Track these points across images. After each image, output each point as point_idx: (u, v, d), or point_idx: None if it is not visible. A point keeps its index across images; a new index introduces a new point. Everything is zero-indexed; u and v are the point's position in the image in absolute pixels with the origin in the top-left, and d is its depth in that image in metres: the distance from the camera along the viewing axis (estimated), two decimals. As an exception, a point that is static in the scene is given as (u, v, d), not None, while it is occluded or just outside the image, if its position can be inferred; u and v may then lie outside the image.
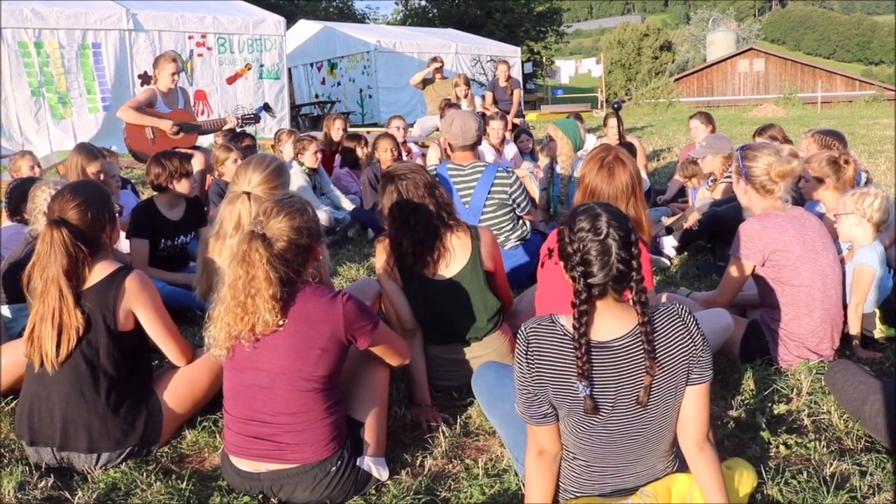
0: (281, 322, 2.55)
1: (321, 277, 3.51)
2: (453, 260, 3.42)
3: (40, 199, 3.91)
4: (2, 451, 3.08)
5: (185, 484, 2.77)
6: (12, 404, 3.38)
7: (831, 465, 2.73)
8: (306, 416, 2.58)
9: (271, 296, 2.50)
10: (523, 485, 2.54)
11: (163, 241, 4.88)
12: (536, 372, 2.18)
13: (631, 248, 2.14)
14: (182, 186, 4.85)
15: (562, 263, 2.23)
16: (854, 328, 3.77)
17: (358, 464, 2.68)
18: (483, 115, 8.80)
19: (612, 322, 2.19)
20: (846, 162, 4.37)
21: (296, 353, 2.57)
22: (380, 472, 2.74)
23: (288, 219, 2.59)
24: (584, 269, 2.12)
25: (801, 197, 4.72)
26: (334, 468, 2.60)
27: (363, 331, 2.70)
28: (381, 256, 3.51)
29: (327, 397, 2.63)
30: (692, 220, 5.79)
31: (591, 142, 8.76)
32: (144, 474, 2.84)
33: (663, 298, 3.75)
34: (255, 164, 3.48)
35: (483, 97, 12.11)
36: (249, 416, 2.61)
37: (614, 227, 2.13)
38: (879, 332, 3.87)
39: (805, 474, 2.65)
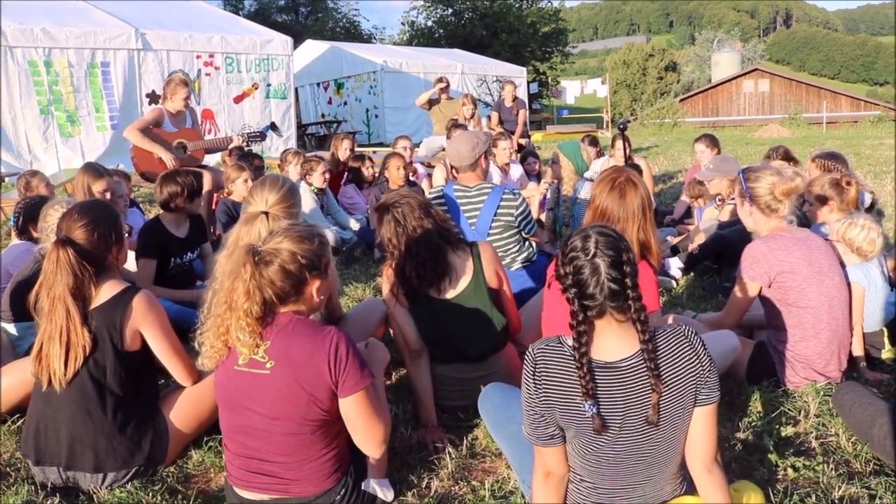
0: (269, 364, 2.47)
1: (332, 299, 3.51)
2: (457, 278, 3.43)
3: (53, 219, 3.91)
4: (7, 469, 3.08)
5: (190, 504, 2.77)
6: (18, 423, 3.39)
7: (840, 488, 2.71)
8: (306, 454, 2.52)
9: (245, 311, 2.44)
10: (530, 507, 2.53)
11: (172, 259, 4.90)
12: (544, 393, 2.18)
13: (622, 266, 2.15)
14: (195, 205, 4.90)
15: (560, 285, 2.25)
16: (857, 349, 3.77)
17: (363, 487, 2.67)
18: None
19: (617, 342, 2.20)
20: (848, 183, 4.39)
21: (285, 399, 2.46)
22: (385, 494, 2.72)
23: (290, 240, 2.52)
24: (577, 289, 2.16)
25: (807, 219, 4.73)
26: (339, 496, 2.57)
27: (348, 376, 2.48)
28: (386, 282, 3.53)
29: (325, 434, 2.54)
30: (698, 240, 5.79)
31: (598, 164, 8.76)
32: (150, 494, 2.84)
33: (670, 320, 3.75)
34: (269, 184, 3.50)
35: (489, 117, 12.16)
36: (249, 454, 2.55)
37: (603, 246, 2.16)
38: (887, 352, 3.86)
39: (813, 497, 2.64)
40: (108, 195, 5.16)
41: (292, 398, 2.46)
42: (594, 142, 8.93)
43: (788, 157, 6.23)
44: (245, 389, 2.50)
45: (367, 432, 2.56)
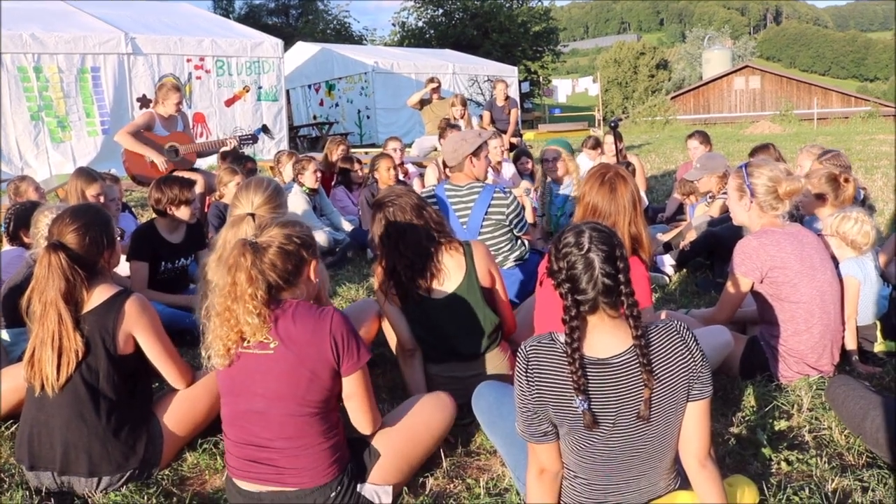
0: (273, 344, 2.53)
1: (321, 299, 3.50)
2: (448, 278, 3.43)
3: (43, 224, 3.91)
4: (2, 475, 3.07)
5: (185, 507, 2.77)
6: (12, 429, 3.38)
7: (833, 481, 2.72)
8: (302, 441, 2.55)
9: (250, 295, 2.50)
10: (525, 504, 2.54)
11: (163, 263, 4.89)
12: (536, 390, 2.19)
13: (616, 262, 2.16)
14: (182, 213, 4.86)
15: (552, 281, 2.25)
16: (850, 342, 3.78)
17: (358, 489, 2.66)
18: (481, 134, 8.81)
19: (609, 338, 2.20)
20: (846, 180, 4.38)
21: (288, 377, 2.52)
22: (381, 501, 2.70)
23: (279, 227, 2.65)
24: (571, 284, 2.16)
25: (798, 213, 4.74)
26: (333, 493, 2.58)
27: (350, 354, 2.58)
28: (378, 280, 3.53)
29: (323, 421, 2.59)
30: (689, 237, 5.80)
31: (584, 162, 8.79)
32: (145, 497, 2.83)
33: (662, 316, 3.75)
34: (254, 186, 3.50)
35: (481, 117, 12.16)
36: (247, 440, 2.58)
37: (597, 241, 2.16)
38: (879, 345, 3.88)
39: (807, 490, 2.65)
40: (101, 199, 5.17)
41: (294, 376, 2.52)
42: (596, 144, 9.02)
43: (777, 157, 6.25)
44: (249, 371, 2.56)
45: (365, 409, 2.71)
